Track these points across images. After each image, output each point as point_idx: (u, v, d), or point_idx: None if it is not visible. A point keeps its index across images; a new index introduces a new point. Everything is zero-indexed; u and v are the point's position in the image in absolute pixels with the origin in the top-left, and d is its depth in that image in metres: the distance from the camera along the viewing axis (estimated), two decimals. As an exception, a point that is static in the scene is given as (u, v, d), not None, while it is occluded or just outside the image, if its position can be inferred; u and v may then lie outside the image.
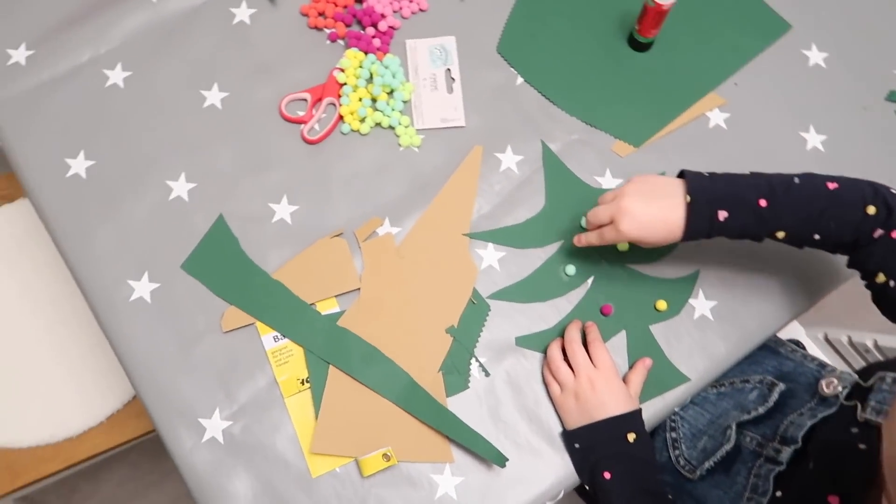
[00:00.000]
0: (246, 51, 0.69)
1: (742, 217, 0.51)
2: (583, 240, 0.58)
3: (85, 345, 0.82)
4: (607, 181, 0.66)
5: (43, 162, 0.64)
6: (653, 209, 0.52)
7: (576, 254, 0.63)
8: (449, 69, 0.69)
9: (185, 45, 0.69)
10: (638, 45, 0.71)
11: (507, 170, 0.66)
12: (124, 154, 0.64)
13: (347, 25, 0.70)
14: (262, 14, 0.71)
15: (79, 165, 0.64)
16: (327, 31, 0.70)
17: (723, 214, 0.51)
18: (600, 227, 0.56)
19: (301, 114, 0.67)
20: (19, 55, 0.67)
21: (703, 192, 0.52)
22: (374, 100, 0.67)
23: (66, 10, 0.69)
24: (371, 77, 0.68)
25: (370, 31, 0.69)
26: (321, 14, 0.70)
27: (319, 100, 0.67)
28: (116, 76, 0.67)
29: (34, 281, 0.86)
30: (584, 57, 0.71)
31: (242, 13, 0.71)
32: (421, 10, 0.71)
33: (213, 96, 0.67)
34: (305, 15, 0.71)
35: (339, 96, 0.67)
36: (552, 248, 0.63)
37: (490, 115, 0.68)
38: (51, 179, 0.63)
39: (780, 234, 0.51)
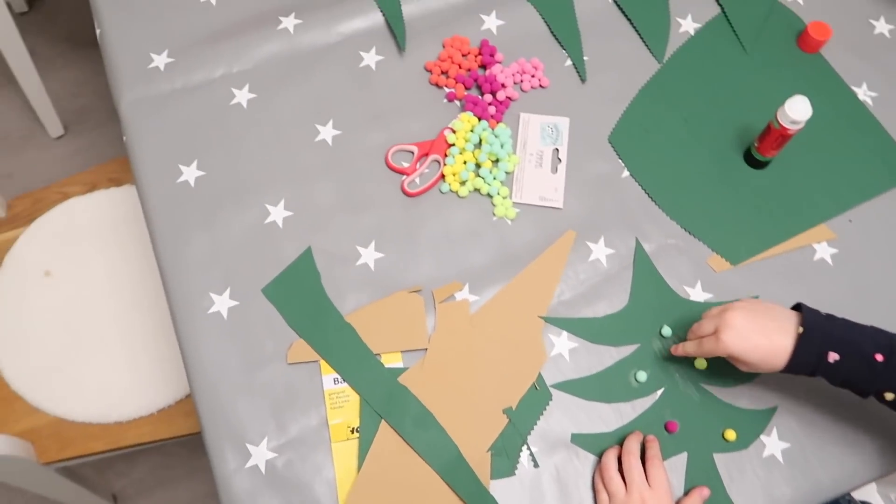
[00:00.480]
0: (365, 94, 0.71)
1: (853, 365, 0.49)
2: (680, 349, 0.57)
3: (152, 336, 0.85)
4: (697, 293, 0.64)
5: (159, 163, 0.67)
6: (760, 329, 0.51)
7: (650, 361, 0.61)
8: (557, 149, 0.69)
9: (311, 78, 0.72)
10: (754, 162, 0.69)
11: (595, 260, 0.65)
12: (233, 171, 0.67)
13: (467, 88, 0.72)
14: (388, 62, 0.73)
15: (190, 173, 0.67)
16: (446, 89, 0.72)
17: (833, 357, 0.49)
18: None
19: (405, 165, 0.68)
20: (160, 60, 0.72)
21: (818, 328, 0.50)
22: (478, 165, 0.68)
23: (212, 27, 0.73)
24: (480, 143, 0.68)
25: (488, 97, 0.70)
26: (444, 73, 0.72)
27: (426, 154, 0.68)
28: (242, 96, 0.71)
29: (121, 264, 0.90)
30: (695, 162, 0.70)
31: (370, 58, 0.73)
32: (541, 85, 0.72)
33: (326, 132, 0.69)
34: (428, 70, 0.73)
35: (446, 155, 0.68)
36: (627, 350, 0.62)
37: (589, 203, 0.67)
38: (162, 181, 0.66)
39: (889, 396, 0.49)
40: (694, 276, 0.65)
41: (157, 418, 0.83)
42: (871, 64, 0.76)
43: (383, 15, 0.75)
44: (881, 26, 0.78)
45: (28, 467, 0.78)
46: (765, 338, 0.51)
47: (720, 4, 0.78)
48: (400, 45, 0.73)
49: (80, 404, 0.82)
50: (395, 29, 0.73)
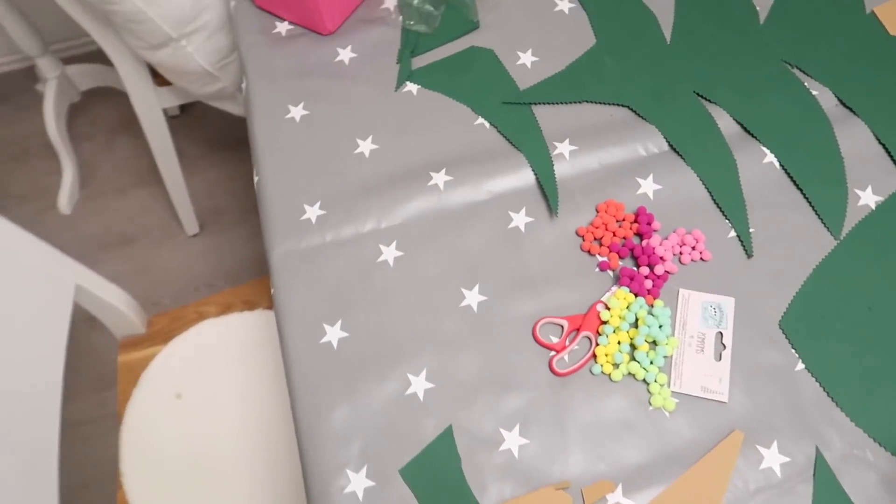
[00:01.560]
0: (513, 258, 0.69)
1: None
2: None
3: (280, 477, 0.84)
4: (890, 521, 0.55)
5: (304, 320, 0.67)
6: None
7: None
8: (721, 333, 0.64)
9: (458, 238, 0.70)
10: (955, 364, 0.60)
11: (767, 469, 0.58)
12: (377, 334, 0.66)
13: (621, 258, 0.68)
14: (538, 224, 0.71)
15: (333, 334, 0.66)
16: (599, 258, 0.68)
17: None
18: None
19: (555, 340, 0.64)
20: (313, 212, 0.73)
21: None
22: (633, 346, 0.63)
23: (364, 180, 0.74)
24: (636, 322, 0.64)
25: (644, 270, 0.66)
26: (596, 239, 0.69)
27: (576, 330, 0.64)
28: (389, 253, 0.70)
29: (253, 390, 0.90)
30: (883, 357, 0.62)
31: (520, 219, 0.71)
32: (702, 259, 0.67)
33: (472, 297, 0.67)
34: (580, 236, 0.70)
35: (598, 333, 0.64)
36: (807, 586, 0.53)
37: (758, 399, 0.61)
38: (306, 341, 0.66)
39: None
40: (887, 498, 0.56)
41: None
42: None
43: (535, 174, 0.73)
44: None
45: None
46: None
47: (905, 176, 0.71)
48: (552, 208, 0.71)
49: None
50: (548, 190, 0.71)
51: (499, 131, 0.76)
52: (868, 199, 0.70)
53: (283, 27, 0.86)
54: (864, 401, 0.60)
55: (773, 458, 0.58)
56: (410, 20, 0.83)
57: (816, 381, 0.61)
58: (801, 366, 0.62)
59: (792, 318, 0.64)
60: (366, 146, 0.77)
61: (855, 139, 0.74)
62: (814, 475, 0.57)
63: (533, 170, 0.73)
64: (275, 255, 0.71)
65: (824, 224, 0.69)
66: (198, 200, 1.71)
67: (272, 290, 0.70)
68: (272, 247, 0.71)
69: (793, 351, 0.63)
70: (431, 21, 0.83)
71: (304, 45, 0.85)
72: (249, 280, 1.10)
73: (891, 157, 0.72)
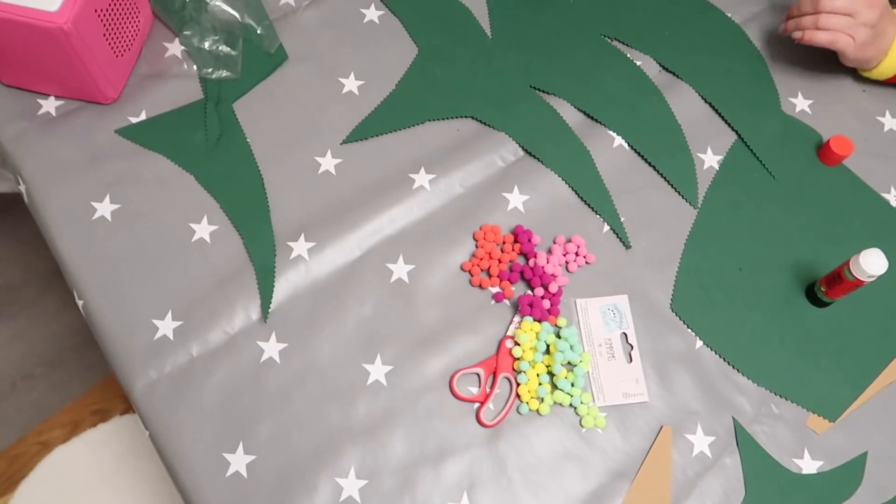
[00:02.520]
0: (406, 313, 0.64)
1: None
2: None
3: None
4: (807, 464, 0.61)
5: (198, 458, 0.58)
6: None
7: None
8: (625, 333, 0.65)
9: (342, 308, 0.64)
10: (819, 303, 0.67)
11: (700, 454, 0.61)
12: (288, 445, 0.59)
13: (513, 283, 0.66)
14: (421, 270, 0.66)
15: (239, 461, 0.58)
16: (492, 289, 0.66)
17: None
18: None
19: (474, 391, 0.62)
20: (166, 326, 0.62)
21: None
22: (551, 374, 0.62)
23: (214, 269, 0.64)
24: (547, 349, 0.63)
25: (539, 291, 0.65)
26: (484, 271, 0.66)
27: (493, 374, 0.62)
28: (272, 349, 0.62)
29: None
30: (763, 314, 0.67)
31: (400, 269, 0.66)
32: (587, 262, 0.67)
33: (377, 370, 0.62)
34: (467, 271, 0.66)
35: (515, 371, 0.62)
36: (762, 552, 0.58)
37: (673, 387, 0.63)
38: (209, 480, 0.57)
39: None
40: (799, 444, 0.62)
41: None
42: (890, 164, 0.75)
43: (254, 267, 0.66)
44: (889, 122, 0.78)
45: None
46: None
47: (735, 130, 0.75)
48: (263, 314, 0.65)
49: None
50: (263, 290, 0.65)
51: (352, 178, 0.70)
52: (711, 160, 0.74)
53: (50, 105, 0.71)
54: (758, 359, 0.65)
55: (701, 442, 0.61)
56: (207, 68, 0.72)
57: (716, 353, 0.65)
58: (699, 343, 0.65)
59: (680, 299, 0.67)
60: (203, 229, 0.66)
61: (685, 103, 0.76)
62: (737, 444, 0.61)
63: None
64: (136, 391, 0.60)
65: (682, 196, 0.72)
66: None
67: (146, 432, 0.60)
68: (129, 382, 0.60)
69: (689, 331, 0.66)
70: (232, 64, 0.72)
71: (84, 122, 0.70)
72: (71, 365, 0.94)
73: (718, 113, 0.76)
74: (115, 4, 0.66)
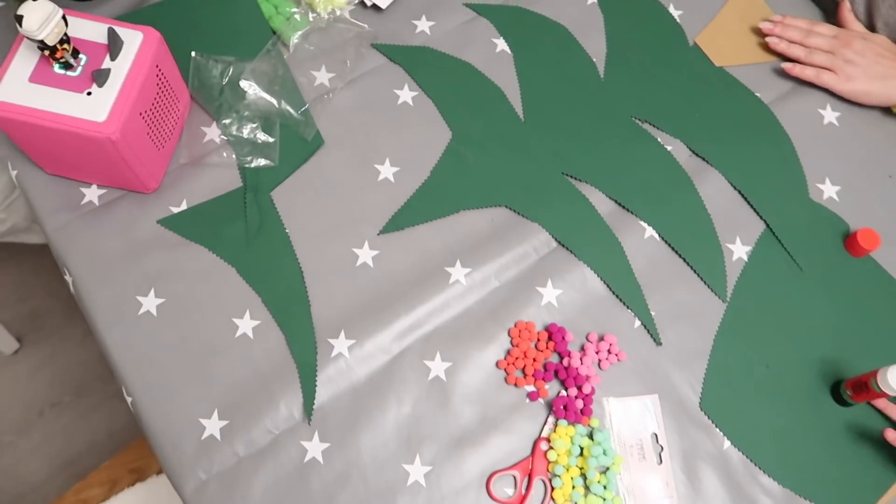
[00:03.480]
0: (444, 413, 0.66)
1: None
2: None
3: None
4: (829, 566, 0.64)
5: (248, 559, 0.61)
6: None
7: None
8: (655, 434, 0.67)
9: (382, 408, 0.66)
10: (843, 402, 0.69)
11: (726, 556, 0.63)
12: (332, 547, 0.61)
13: (546, 382, 0.68)
14: (458, 367, 0.68)
15: (286, 564, 0.61)
16: (527, 388, 0.68)
17: None
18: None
19: (510, 492, 0.64)
20: (213, 426, 0.64)
21: None
22: (584, 476, 0.65)
23: (258, 367, 0.66)
24: (581, 451, 0.65)
25: (572, 391, 0.67)
26: (519, 370, 0.68)
27: (528, 475, 0.64)
28: (314, 448, 0.64)
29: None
30: (789, 413, 0.68)
31: (437, 367, 0.68)
32: (618, 359, 0.69)
33: (417, 471, 0.64)
34: (502, 369, 0.68)
35: (550, 474, 0.64)
36: None
37: (701, 488, 0.65)
38: (259, 583, 0.60)
39: None
40: (821, 546, 0.64)
41: None
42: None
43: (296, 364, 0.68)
44: (914, 211, 0.79)
45: None
46: None
47: (763, 220, 0.76)
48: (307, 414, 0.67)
49: None
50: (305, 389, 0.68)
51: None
52: (740, 251, 0.75)
53: (93, 194, 0.72)
54: (783, 459, 0.67)
55: (728, 544, 0.64)
56: (246, 156, 0.73)
57: (743, 454, 0.67)
58: (727, 443, 0.67)
59: (709, 398, 0.69)
60: (246, 324, 0.68)
61: (714, 191, 0.77)
62: (763, 547, 0.64)
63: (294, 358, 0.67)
64: (187, 493, 0.62)
65: (711, 289, 0.73)
66: (4, 309, 1.46)
67: (197, 533, 0.62)
68: (180, 483, 0.63)
69: (718, 430, 0.68)
70: (270, 151, 0.73)
71: (127, 211, 0.71)
72: (99, 392, 0.95)
73: (747, 201, 0.77)
74: (158, 102, 0.67)
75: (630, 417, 0.67)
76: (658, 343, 0.70)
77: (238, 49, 0.77)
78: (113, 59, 0.62)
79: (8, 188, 0.91)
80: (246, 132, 0.73)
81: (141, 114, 0.64)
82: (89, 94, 0.61)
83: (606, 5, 0.86)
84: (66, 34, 0.59)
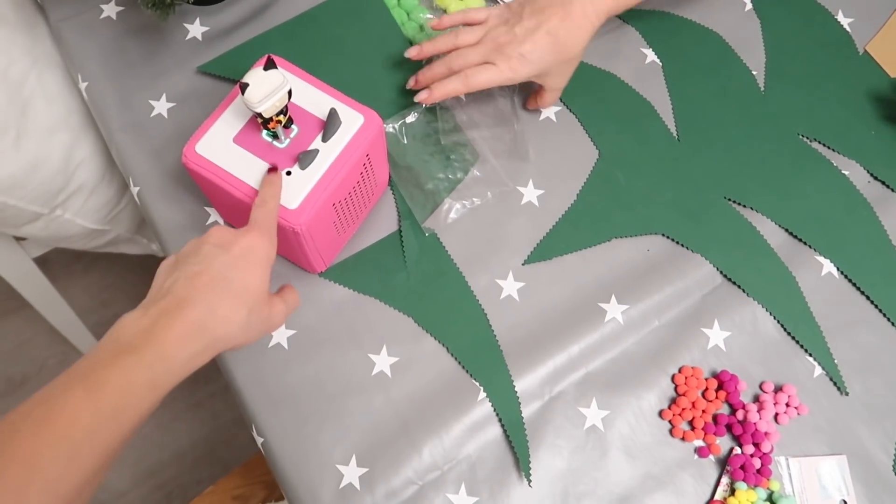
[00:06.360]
0: (601, 467, 0.59)
1: None
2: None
3: None
4: None
5: None
6: None
7: None
8: (845, 501, 0.59)
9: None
10: None
11: None
12: None
13: (718, 437, 0.60)
14: (616, 416, 0.61)
15: None
16: (696, 443, 0.60)
17: None
18: None
19: (682, 563, 0.57)
20: (352, 473, 0.59)
21: None
22: (767, 548, 0.57)
23: (398, 411, 0.60)
24: (763, 520, 0.58)
25: (748, 448, 0.59)
26: (686, 422, 0.61)
27: (701, 544, 0.57)
28: (460, 501, 0.58)
29: None
30: None
31: (594, 415, 0.61)
32: (799, 413, 0.61)
33: (576, 533, 0.58)
34: (666, 420, 0.61)
35: (728, 544, 0.57)
36: None
37: (902, 566, 0.57)
38: None
39: None
40: None
41: None
42: None
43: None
44: None
45: None
46: None
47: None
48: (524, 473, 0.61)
49: None
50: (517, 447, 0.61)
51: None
52: (929, 293, 0.66)
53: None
54: None
55: None
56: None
57: (948, 527, 0.59)
58: (930, 515, 0.59)
59: (907, 463, 0.60)
60: (383, 361, 0.62)
61: (898, 220, 0.69)
62: None
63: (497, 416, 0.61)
64: (327, 542, 0.57)
65: (902, 337, 0.64)
66: (88, 314, 1.44)
67: (335, 592, 0.57)
68: (318, 531, 0.57)
69: (918, 499, 0.60)
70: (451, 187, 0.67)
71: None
72: (179, 403, 0.92)
73: (937, 233, 0.69)
74: (355, 191, 0.60)
75: (815, 481, 0.59)
76: (844, 393, 0.62)
77: (373, 61, 0.71)
78: (325, 140, 0.55)
79: (113, 201, 0.88)
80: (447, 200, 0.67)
81: (334, 204, 0.57)
82: (289, 173, 0.54)
83: (764, 11, 0.78)
84: (286, 106, 0.53)
